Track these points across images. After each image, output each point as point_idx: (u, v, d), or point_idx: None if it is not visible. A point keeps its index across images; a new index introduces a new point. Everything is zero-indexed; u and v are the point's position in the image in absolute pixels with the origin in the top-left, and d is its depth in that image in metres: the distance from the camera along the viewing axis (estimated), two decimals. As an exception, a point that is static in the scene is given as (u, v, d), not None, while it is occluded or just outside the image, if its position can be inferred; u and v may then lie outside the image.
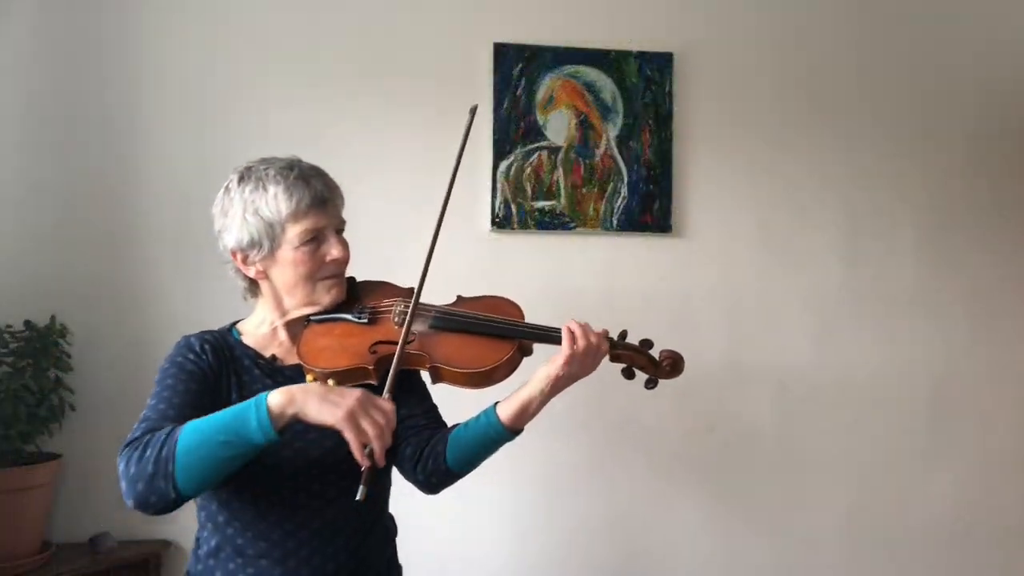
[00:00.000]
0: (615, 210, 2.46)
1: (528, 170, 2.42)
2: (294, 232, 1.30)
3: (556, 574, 2.42)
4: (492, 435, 1.34)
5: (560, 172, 2.44)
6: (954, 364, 2.63)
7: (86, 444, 2.21)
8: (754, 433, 2.53)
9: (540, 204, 2.43)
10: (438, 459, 1.37)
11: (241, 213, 1.31)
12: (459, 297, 1.47)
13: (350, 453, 1.17)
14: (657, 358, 1.44)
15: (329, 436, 1.30)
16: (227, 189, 1.34)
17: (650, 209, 2.47)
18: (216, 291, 2.18)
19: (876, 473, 2.58)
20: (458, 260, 2.30)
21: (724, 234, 2.53)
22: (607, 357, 1.40)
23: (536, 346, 1.41)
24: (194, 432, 1.09)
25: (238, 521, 1.28)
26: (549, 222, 2.43)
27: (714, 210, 2.53)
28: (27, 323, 2.12)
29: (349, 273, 1.44)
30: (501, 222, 2.40)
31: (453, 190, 1.37)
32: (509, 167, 2.41)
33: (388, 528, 1.45)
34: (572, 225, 2.44)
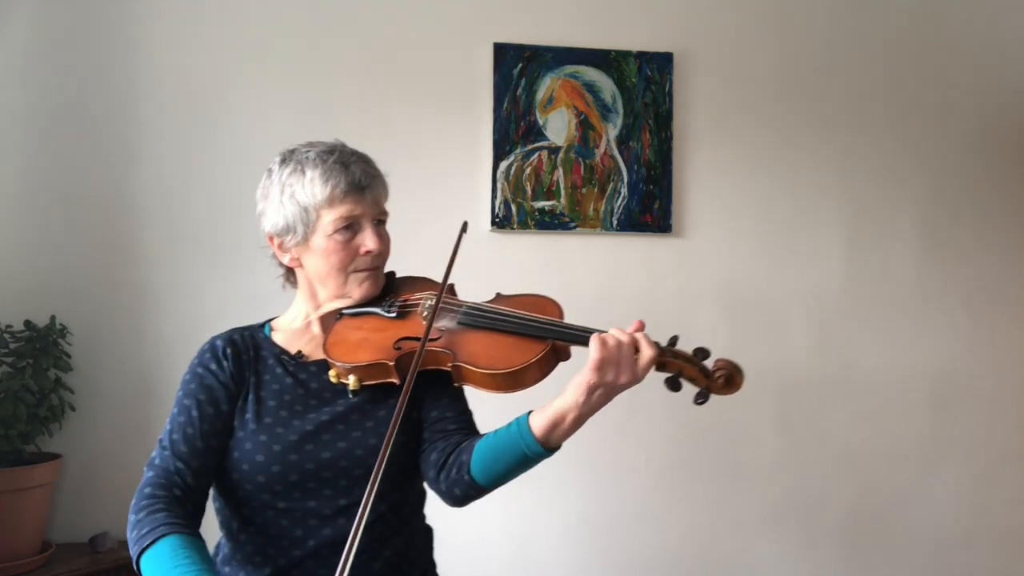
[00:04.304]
0: (615, 210, 2.46)
1: (528, 170, 2.42)
2: (328, 219, 1.25)
3: (558, 573, 2.42)
4: (522, 447, 1.16)
5: (560, 172, 2.44)
6: (954, 363, 2.63)
7: (86, 444, 2.21)
8: (754, 433, 2.53)
9: (540, 204, 2.43)
10: (462, 468, 1.22)
11: (278, 196, 1.27)
12: (498, 295, 1.40)
13: (364, 456, 1.21)
14: (711, 368, 1.28)
15: (344, 438, 1.26)
16: (269, 172, 1.30)
17: (650, 209, 2.47)
18: (217, 291, 2.19)
19: (876, 473, 2.58)
20: (458, 260, 2.29)
21: (724, 234, 2.53)
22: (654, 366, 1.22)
23: (577, 351, 1.25)
24: (153, 561, 1.15)
25: (252, 526, 1.24)
26: (549, 222, 2.43)
27: (714, 210, 2.53)
28: (27, 323, 2.12)
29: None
30: (501, 222, 2.40)
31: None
32: (509, 167, 2.41)
33: (410, 544, 1.32)
34: (572, 225, 2.44)
